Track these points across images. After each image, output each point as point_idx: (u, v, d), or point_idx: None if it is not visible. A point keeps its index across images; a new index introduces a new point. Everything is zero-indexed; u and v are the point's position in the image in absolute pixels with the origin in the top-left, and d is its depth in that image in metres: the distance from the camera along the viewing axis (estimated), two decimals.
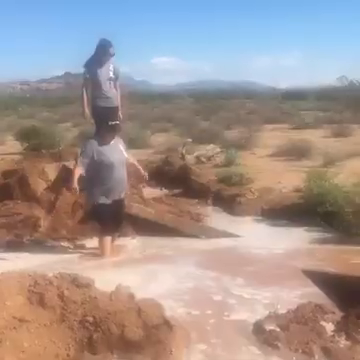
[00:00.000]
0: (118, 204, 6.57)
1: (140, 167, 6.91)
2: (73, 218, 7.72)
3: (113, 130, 6.50)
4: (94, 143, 6.41)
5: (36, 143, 16.36)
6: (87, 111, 7.80)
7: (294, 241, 7.05)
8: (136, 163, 6.93)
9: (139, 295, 4.22)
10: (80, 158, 6.40)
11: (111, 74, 7.69)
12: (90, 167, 6.33)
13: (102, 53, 7.57)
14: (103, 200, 6.40)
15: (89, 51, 7.73)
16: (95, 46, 7.64)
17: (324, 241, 7.02)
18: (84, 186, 6.47)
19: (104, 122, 6.56)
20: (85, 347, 3.81)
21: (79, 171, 6.26)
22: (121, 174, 6.50)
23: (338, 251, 6.53)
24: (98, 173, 6.31)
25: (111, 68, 7.68)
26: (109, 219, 6.47)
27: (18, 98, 74.40)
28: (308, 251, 6.57)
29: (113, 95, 7.79)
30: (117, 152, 6.48)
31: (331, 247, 6.78)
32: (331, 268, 5.66)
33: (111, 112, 7.67)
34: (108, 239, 6.48)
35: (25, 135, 17.64)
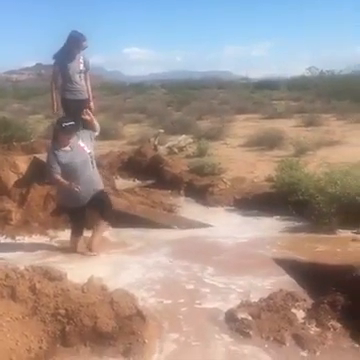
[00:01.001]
0: (95, 199, 6.29)
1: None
2: (45, 210, 7.66)
3: (68, 132, 6.07)
4: (55, 152, 6.02)
5: (7, 135, 16.11)
6: (56, 105, 7.72)
7: (264, 230, 7.11)
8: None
9: (111, 286, 4.25)
10: (51, 170, 6.04)
11: (81, 67, 7.63)
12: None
13: (75, 46, 7.48)
14: (73, 204, 6.20)
15: (60, 41, 7.61)
16: (67, 37, 7.54)
17: (295, 230, 7.09)
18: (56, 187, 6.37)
19: (58, 124, 6.19)
20: (58, 340, 3.83)
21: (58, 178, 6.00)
22: (87, 175, 6.16)
23: (305, 239, 6.59)
24: (64, 178, 6.03)
25: (81, 60, 7.61)
26: (78, 221, 6.38)
27: None
28: (277, 240, 6.60)
29: (83, 88, 7.73)
30: (79, 152, 6.13)
31: (299, 235, 6.86)
32: (298, 256, 5.73)
33: (81, 105, 7.62)
34: (78, 238, 6.39)
35: None
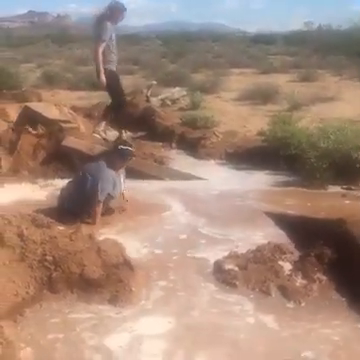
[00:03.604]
0: None
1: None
2: (35, 159, 7.62)
3: (126, 156, 5.53)
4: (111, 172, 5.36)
5: None
6: (103, 77, 7.57)
7: (253, 184, 7.06)
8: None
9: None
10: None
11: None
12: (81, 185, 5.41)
13: (119, 17, 7.51)
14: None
15: None
16: (109, 6, 7.64)
17: (284, 184, 7.05)
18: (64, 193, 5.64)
19: (114, 148, 5.68)
20: (45, 286, 3.86)
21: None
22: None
23: (284, 194, 6.61)
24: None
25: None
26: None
27: None
28: (261, 193, 6.58)
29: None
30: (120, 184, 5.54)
31: (282, 190, 6.85)
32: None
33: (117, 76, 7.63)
34: None
35: None
